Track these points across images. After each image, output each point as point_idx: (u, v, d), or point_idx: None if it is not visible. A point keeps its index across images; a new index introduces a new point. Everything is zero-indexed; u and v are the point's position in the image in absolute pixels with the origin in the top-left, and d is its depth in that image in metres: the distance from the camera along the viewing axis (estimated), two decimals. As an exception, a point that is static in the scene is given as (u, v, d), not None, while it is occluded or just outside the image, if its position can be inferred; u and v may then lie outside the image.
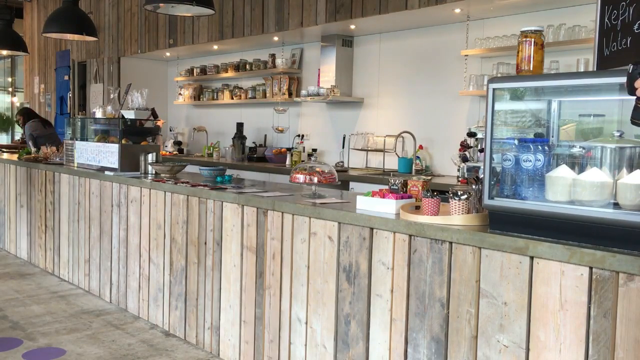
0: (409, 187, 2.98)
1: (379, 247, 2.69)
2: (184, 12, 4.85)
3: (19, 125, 8.41)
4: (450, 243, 2.41)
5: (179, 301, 3.93)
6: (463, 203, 2.49)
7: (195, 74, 8.09)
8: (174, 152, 8.21)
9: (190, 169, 5.17)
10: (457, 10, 4.85)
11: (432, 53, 5.53)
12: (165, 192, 4.03)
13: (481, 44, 4.98)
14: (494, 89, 2.34)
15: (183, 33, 7.43)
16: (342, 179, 5.04)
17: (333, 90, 6.00)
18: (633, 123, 1.89)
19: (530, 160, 2.27)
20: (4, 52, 8.28)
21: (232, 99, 7.60)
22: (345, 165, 6.18)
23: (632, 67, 1.87)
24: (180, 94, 8.44)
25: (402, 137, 5.60)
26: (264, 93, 7.16)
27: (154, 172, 4.49)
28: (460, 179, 4.38)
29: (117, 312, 4.43)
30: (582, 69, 4.26)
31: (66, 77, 9.92)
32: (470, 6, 4.72)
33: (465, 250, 2.36)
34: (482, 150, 4.02)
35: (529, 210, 2.23)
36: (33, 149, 6.49)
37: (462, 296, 2.38)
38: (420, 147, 5.51)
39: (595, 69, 2.53)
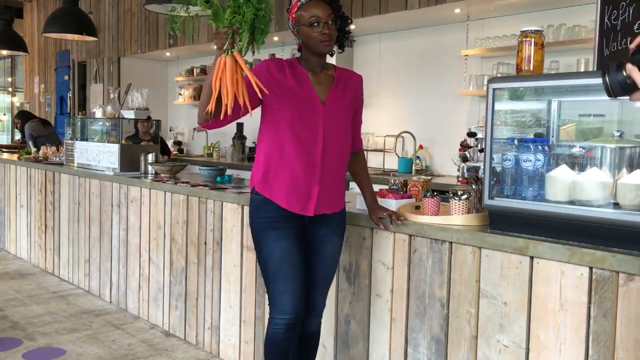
0: (409, 187, 2.98)
1: (379, 247, 2.69)
2: (184, 12, 4.84)
3: (17, 129, 8.40)
4: (450, 243, 2.41)
5: (179, 301, 3.92)
6: (463, 203, 2.49)
7: (195, 74, 8.08)
8: (174, 152, 8.21)
9: (190, 169, 5.16)
10: (457, 10, 4.85)
11: (432, 53, 5.52)
12: (165, 192, 4.03)
13: (481, 44, 4.98)
14: (494, 89, 2.34)
15: (183, 33, 7.43)
16: (342, 179, 5.02)
17: (333, 90, 5.99)
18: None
19: (530, 160, 2.27)
20: (4, 52, 8.29)
21: (232, 98, 7.59)
22: (345, 165, 6.16)
23: None
24: (180, 94, 8.43)
25: (402, 137, 5.61)
26: (264, 93, 7.14)
27: (153, 172, 4.49)
28: (460, 179, 4.38)
29: (117, 312, 4.43)
30: (582, 69, 4.26)
31: (66, 77, 9.92)
32: (470, 6, 4.72)
33: (465, 250, 2.36)
34: (482, 150, 4.02)
35: (529, 210, 2.23)
36: (33, 149, 6.49)
37: (462, 296, 2.38)
38: (420, 147, 5.51)
39: (595, 69, 2.53)
